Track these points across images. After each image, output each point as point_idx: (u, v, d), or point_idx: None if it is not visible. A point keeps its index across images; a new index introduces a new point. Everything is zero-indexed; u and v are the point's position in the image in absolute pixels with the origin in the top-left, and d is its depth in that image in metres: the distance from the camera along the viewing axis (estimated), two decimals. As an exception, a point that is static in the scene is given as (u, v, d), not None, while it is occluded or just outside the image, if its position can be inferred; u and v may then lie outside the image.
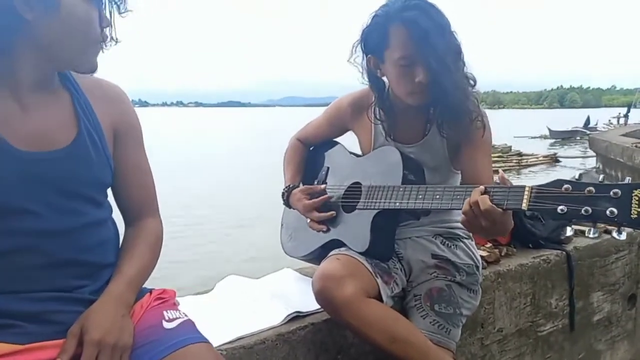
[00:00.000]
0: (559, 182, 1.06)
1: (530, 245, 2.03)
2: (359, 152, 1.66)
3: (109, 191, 1.11)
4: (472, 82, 1.40)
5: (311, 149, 1.80)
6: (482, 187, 1.16)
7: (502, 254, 1.91)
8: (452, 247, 1.53)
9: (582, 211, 1.01)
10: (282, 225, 1.80)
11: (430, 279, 1.49)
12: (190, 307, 1.44)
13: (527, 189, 1.09)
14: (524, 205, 1.08)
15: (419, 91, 1.37)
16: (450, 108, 1.37)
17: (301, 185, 1.69)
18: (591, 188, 1.00)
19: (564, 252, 2.02)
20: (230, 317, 1.42)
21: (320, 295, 1.32)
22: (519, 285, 1.88)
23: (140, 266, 1.06)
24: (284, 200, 1.67)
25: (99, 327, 0.92)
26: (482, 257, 1.72)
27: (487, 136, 1.44)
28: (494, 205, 1.11)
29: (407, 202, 1.33)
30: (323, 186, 1.59)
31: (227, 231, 8.49)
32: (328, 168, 1.71)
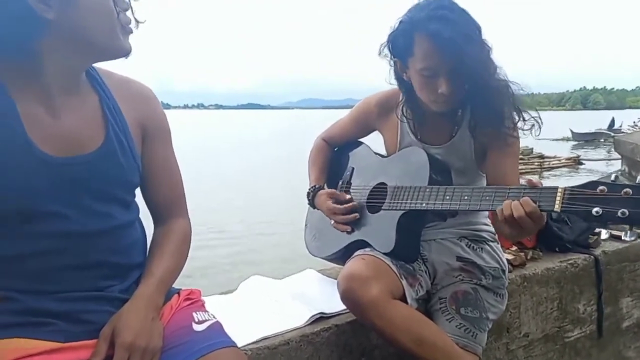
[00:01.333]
0: (593, 184, 1.03)
1: (557, 249, 1.99)
2: (384, 153, 1.65)
3: (137, 191, 1.12)
4: (510, 86, 1.37)
5: (335, 149, 1.80)
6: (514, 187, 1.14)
7: (528, 257, 1.88)
8: (478, 249, 1.51)
9: (619, 213, 0.98)
10: (306, 225, 1.80)
11: (456, 282, 1.47)
12: (215, 307, 1.46)
13: (559, 190, 1.06)
14: (557, 207, 1.06)
15: (442, 101, 1.36)
16: (485, 113, 1.36)
17: (326, 186, 1.69)
18: (628, 189, 0.97)
19: (592, 256, 1.98)
20: (254, 317, 1.43)
21: (346, 296, 1.31)
22: (545, 290, 1.84)
23: (169, 267, 1.07)
24: (309, 200, 1.67)
25: (130, 330, 0.93)
26: (507, 260, 1.69)
27: (516, 140, 1.42)
28: (536, 206, 1.09)
29: (434, 203, 1.31)
30: (349, 196, 1.58)
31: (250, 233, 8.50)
32: (353, 168, 1.71)
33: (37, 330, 0.91)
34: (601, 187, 1.02)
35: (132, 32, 0.96)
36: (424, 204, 1.34)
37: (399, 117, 1.53)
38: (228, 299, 1.57)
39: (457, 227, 1.53)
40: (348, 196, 1.59)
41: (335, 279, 1.66)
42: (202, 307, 1.13)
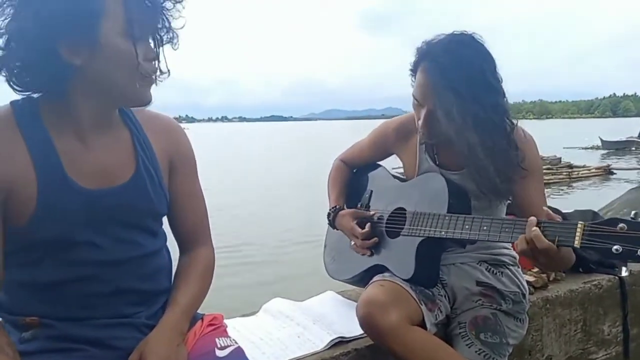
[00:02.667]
0: (614, 221, 1.04)
1: (581, 270, 1.97)
2: (401, 176, 1.68)
3: (164, 219, 1.17)
4: (509, 124, 1.38)
5: (354, 171, 1.83)
6: (533, 220, 1.15)
7: (550, 279, 1.86)
8: (498, 274, 1.51)
9: (639, 252, 0.99)
10: (325, 246, 1.83)
11: (476, 307, 1.47)
12: (237, 329, 1.50)
13: (579, 225, 1.07)
14: (577, 243, 1.06)
15: (420, 131, 1.42)
16: (487, 172, 1.37)
17: (345, 207, 1.72)
18: (648, 229, 0.98)
19: (617, 277, 1.95)
20: (275, 340, 1.46)
21: (365, 322, 1.33)
22: (568, 312, 1.82)
23: (194, 295, 1.12)
24: (329, 221, 1.70)
25: (157, 356, 0.97)
26: (528, 282, 1.68)
27: (535, 163, 1.42)
28: (550, 243, 1.10)
29: (454, 232, 1.33)
30: (372, 212, 1.61)
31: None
32: (372, 191, 1.73)
33: (70, 355, 0.97)
34: (621, 225, 1.02)
35: (154, 83, 1.00)
36: (443, 232, 1.35)
37: (418, 142, 1.55)
38: (250, 322, 1.61)
39: (476, 251, 1.53)
40: (371, 212, 1.61)
41: (355, 301, 1.69)
42: (224, 332, 1.17)
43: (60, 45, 0.89)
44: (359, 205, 1.72)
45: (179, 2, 0.98)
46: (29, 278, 0.98)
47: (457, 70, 1.31)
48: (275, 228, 9.83)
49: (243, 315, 1.66)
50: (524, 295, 1.50)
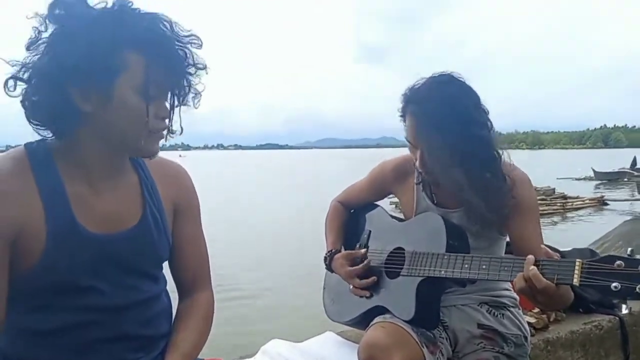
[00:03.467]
0: (611, 258, 1.05)
1: (581, 310, 1.96)
2: (399, 215, 1.68)
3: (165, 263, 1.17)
4: (496, 155, 1.41)
5: (352, 211, 1.83)
6: (531, 259, 1.15)
7: (551, 319, 1.85)
8: (499, 316, 1.50)
9: (637, 289, 1.00)
10: (324, 288, 1.81)
11: (477, 350, 1.46)
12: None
13: (577, 263, 1.08)
14: (575, 281, 1.07)
15: (420, 171, 1.46)
16: (481, 206, 1.39)
17: (342, 249, 1.71)
18: (645, 265, 0.99)
19: (617, 317, 1.94)
20: (274, 384, 1.43)
21: (366, 365, 1.31)
22: (570, 354, 1.81)
23: (195, 340, 1.11)
24: (326, 265, 1.69)
25: None
26: (529, 323, 1.67)
27: (529, 201, 1.44)
28: (549, 282, 1.10)
29: (453, 271, 1.33)
30: (364, 250, 1.60)
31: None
32: (370, 231, 1.73)
33: None
34: (618, 262, 1.03)
35: (163, 138, 1.02)
36: (442, 272, 1.35)
37: (415, 182, 1.57)
38: (249, 364, 1.58)
39: (477, 292, 1.52)
40: (363, 251, 1.61)
41: (355, 342, 1.67)
42: None
43: (74, 90, 0.91)
44: (357, 246, 1.72)
45: (203, 68, 1.00)
46: (29, 323, 0.97)
47: (440, 109, 1.36)
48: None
49: (241, 358, 1.63)
50: (525, 337, 1.49)
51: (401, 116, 1.46)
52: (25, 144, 0.99)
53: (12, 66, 0.93)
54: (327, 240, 1.75)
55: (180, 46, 0.96)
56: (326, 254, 1.69)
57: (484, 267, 1.27)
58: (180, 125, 1.01)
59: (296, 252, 9.59)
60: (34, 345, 0.98)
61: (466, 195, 1.38)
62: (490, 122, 1.41)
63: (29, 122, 0.96)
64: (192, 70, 0.99)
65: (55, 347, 0.98)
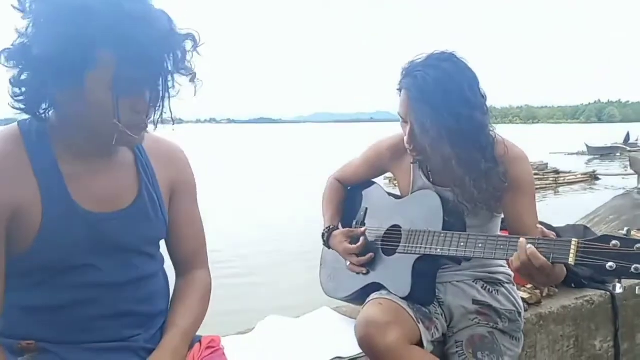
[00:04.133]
0: (606, 238, 1.06)
1: (573, 285, 1.99)
2: (394, 192, 1.68)
3: (162, 242, 1.17)
4: (487, 138, 1.40)
5: (349, 188, 1.83)
6: (523, 242, 1.16)
7: (544, 294, 1.88)
8: (494, 292, 1.52)
9: (632, 269, 1.01)
10: (321, 264, 1.82)
11: (472, 326, 1.48)
12: (232, 348, 1.49)
13: (573, 243, 1.09)
14: (571, 260, 1.08)
15: (407, 147, 1.44)
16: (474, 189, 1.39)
17: (340, 226, 1.72)
18: (640, 245, 1.00)
19: (608, 293, 1.98)
20: (271, 359, 1.45)
21: (364, 342, 1.33)
22: (561, 328, 1.84)
23: (193, 318, 1.12)
24: (324, 241, 1.70)
25: None
26: (523, 299, 1.70)
27: (527, 178, 1.44)
28: (546, 260, 1.11)
29: (449, 249, 1.34)
30: (363, 229, 1.61)
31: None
32: (367, 208, 1.73)
33: None
34: (614, 242, 1.04)
35: (143, 129, 0.99)
36: (438, 250, 1.36)
37: (412, 161, 1.56)
38: (246, 339, 1.60)
39: (472, 269, 1.54)
40: (363, 229, 1.61)
41: (350, 317, 1.69)
42: (222, 355, 1.17)
43: (50, 79, 0.90)
44: (354, 223, 1.73)
45: (187, 74, 0.97)
46: (28, 301, 0.98)
47: (434, 84, 1.34)
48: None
49: (238, 333, 1.65)
50: (519, 313, 1.52)
51: (398, 89, 1.44)
52: (18, 122, 0.98)
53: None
54: (325, 216, 1.75)
55: (163, 46, 0.92)
56: (324, 230, 1.70)
57: (480, 245, 1.28)
58: (172, 116, 0.99)
59: (291, 229, 9.62)
60: (31, 323, 0.98)
61: (455, 172, 1.39)
62: (486, 107, 1.40)
63: (12, 101, 0.95)
64: (172, 70, 0.95)
65: (52, 325, 0.98)
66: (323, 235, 1.70)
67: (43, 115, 0.97)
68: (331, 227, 1.69)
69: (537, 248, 1.14)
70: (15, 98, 0.94)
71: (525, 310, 1.70)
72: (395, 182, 1.68)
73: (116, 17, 0.87)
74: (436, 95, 1.33)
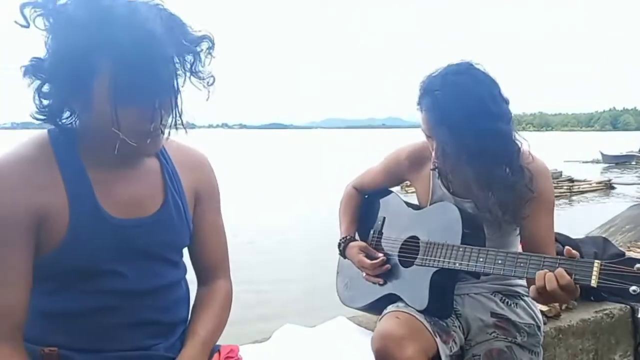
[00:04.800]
0: (630, 261, 1.04)
1: (592, 298, 1.96)
2: (408, 198, 1.68)
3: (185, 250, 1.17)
4: (513, 147, 1.37)
5: (366, 196, 1.83)
6: (548, 257, 1.15)
7: (563, 307, 1.86)
8: (512, 305, 1.50)
9: None
10: (337, 272, 1.82)
11: (490, 339, 1.46)
12: (249, 357, 1.49)
13: (596, 264, 1.07)
14: (594, 282, 1.06)
15: (435, 162, 1.42)
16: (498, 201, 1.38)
17: (357, 235, 1.71)
18: (665, 270, 0.98)
19: (628, 306, 1.94)
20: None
21: (380, 355, 1.32)
22: (580, 342, 1.82)
23: (214, 328, 1.12)
24: (340, 251, 1.69)
25: None
26: (542, 311, 1.68)
27: (549, 196, 1.42)
28: (571, 280, 1.09)
29: (468, 264, 1.32)
30: (381, 256, 1.58)
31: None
32: (384, 218, 1.73)
33: None
34: (638, 265, 1.03)
35: (155, 137, 0.98)
36: (457, 264, 1.35)
37: (431, 167, 1.55)
38: (262, 348, 1.60)
39: (490, 281, 1.53)
40: (380, 255, 1.59)
41: (366, 328, 1.68)
42: None
43: (66, 89, 0.92)
44: (371, 232, 1.72)
45: (202, 78, 0.98)
46: (51, 307, 0.99)
47: (453, 103, 1.32)
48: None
49: (255, 342, 1.65)
50: (538, 327, 1.50)
51: (418, 105, 1.43)
52: (48, 130, 1.00)
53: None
54: (341, 226, 1.75)
55: (164, 51, 0.90)
56: (340, 240, 1.69)
57: (499, 261, 1.26)
58: (182, 123, 0.98)
59: (306, 239, 9.58)
60: (54, 330, 0.99)
61: (474, 192, 1.38)
62: (510, 113, 1.37)
63: (34, 113, 0.96)
64: (182, 76, 0.95)
65: (73, 331, 0.99)
66: (339, 245, 1.69)
67: (69, 125, 0.99)
68: (348, 237, 1.69)
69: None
70: (39, 109, 0.96)
71: (545, 324, 1.68)
72: (409, 188, 1.67)
73: (107, 23, 0.87)
74: (456, 115, 1.31)
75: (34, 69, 0.92)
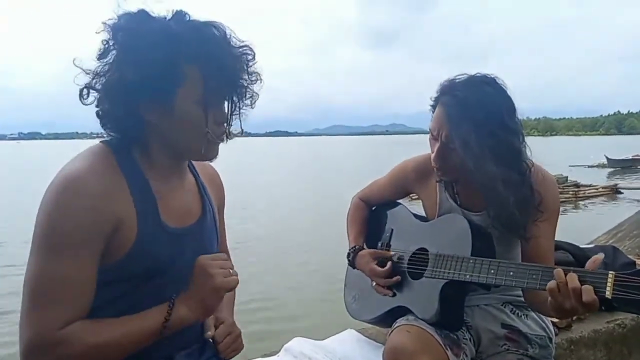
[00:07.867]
0: None
1: (603, 308, 1.93)
2: (420, 213, 1.67)
3: None
4: (524, 165, 1.37)
5: (373, 208, 1.82)
6: (560, 270, 1.13)
7: (574, 318, 1.84)
8: (523, 316, 1.49)
9: None
10: (345, 285, 1.81)
11: (501, 352, 1.45)
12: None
13: (610, 276, 1.06)
14: (608, 294, 1.05)
15: (434, 165, 1.42)
16: (503, 216, 1.36)
17: (365, 246, 1.71)
18: (681, 282, 0.97)
19: (640, 316, 1.92)
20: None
21: (392, 370, 1.31)
22: (593, 353, 1.80)
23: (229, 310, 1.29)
24: (349, 261, 1.69)
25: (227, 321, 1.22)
26: (553, 322, 1.66)
27: (554, 205, 1.41)
28: (596, 298, 1.08)
29: (479, 276, 1.31)
30: (391, 253, 1.59)
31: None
32: (392, 230, 1.72)
33: None
34: None
35: (222, 142, 1.08)
36: (467, 276, 1.34)
37: (437, 179, 1.54)
38: (272, 363, 1.59)
39: (500, 292, 1.51)
40: (391, 253, 1.60)
41: (376, 340, 1.67)
42: None
43: (139, 103, 0.98)
44: (379, 244, 1.71)
45: (256, 80, 1.06)
46: (107, 313, 1.00)
47: (476, 105, 1.32)
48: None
49: (264, 356, 1.64)
50: (550, 339, 1.48)
51: (432, 106, 1.43)
52: (104, 142, 1.05)
53: (87, 74, 1.00)
54: (350, 236, 1.74)
55: (235, 56, 1.01)
56: (349, 250, 1.69)
57: (510, 273, 1.25)
58: (241, 126, 1.09)
59: (313, 250, 9.55)
60: None
61: (499, 192, 1.33)
62: (523, 135, 1.37)
63: (102, 127, 1.04)
64: (246, 78, 1.04)
65: None
66: (348, 255, 1.69)
67: (135, 135, 1.04)
68: (356, 247, 1.68)
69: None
70: (107, 124, 1.03)
71: (556, 335, 1.66)
72: (416, 199, 1.67)
73: (197, 32, 0.98)
74: (478, 114, 1.31)
75: (103, 86, 0.99)
